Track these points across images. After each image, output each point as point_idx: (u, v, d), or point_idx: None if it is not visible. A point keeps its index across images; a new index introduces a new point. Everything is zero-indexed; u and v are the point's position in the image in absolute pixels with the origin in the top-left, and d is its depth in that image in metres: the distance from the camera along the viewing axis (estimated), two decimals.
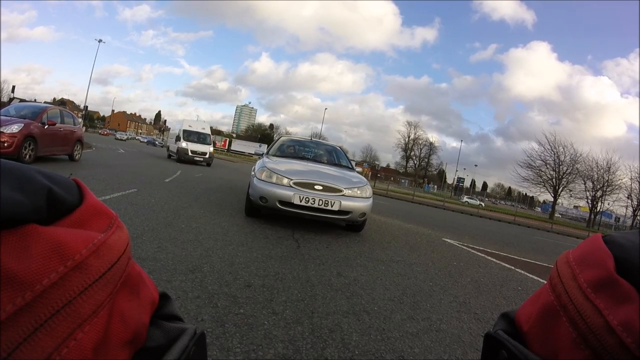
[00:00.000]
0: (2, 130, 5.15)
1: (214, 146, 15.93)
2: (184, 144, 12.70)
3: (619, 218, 37.88)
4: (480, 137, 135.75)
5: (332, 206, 3.43)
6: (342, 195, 3.55)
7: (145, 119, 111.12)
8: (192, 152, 12.70)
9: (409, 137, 65.93)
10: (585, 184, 32.37)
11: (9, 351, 0.11)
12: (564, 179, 33.02)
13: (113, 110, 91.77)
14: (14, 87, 31.40)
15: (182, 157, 12.50)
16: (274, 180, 3.51)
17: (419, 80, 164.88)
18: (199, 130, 14.22)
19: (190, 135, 13.52)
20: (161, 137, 66.22)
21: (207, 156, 13.24)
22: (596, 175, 31.69)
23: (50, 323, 0.12)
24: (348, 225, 4.06)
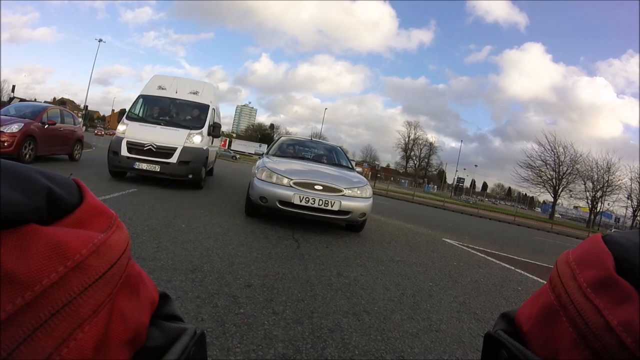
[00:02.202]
0: (2, 129, 5.15)
1: (218, 138, 7.09)
2: (121, 128, 5.27)
3: (618, 218, 37.88)
4: (479, 138, 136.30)
5: (332, 206, 3.43)
6: (342, 195, 3.55)
7: None
8: (134, 147, 5.06)
9: (409, 137, 66.03)
10: (585, 184, 32.39)
11: (9, 351, 0.11)
12: (564, 180, 33.02)
13: (113, 110, 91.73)
14: (14, 86, 31.32)
15: (112, 163, 5.15)
16: (274, 180, 3.51)
17: (416, 81, 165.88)
18: (182, 97, 5.99)
19: (152, 107, 5.81)
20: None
21: (173, 159, 5.14)
22: (596, 176, 31.72)
23: (50, 323, 0.12)
24: (348, 225, 4.06)
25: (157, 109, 5.83)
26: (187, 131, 5.34)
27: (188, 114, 5.91)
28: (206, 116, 5.78)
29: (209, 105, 6.00)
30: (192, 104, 5.96)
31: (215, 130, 6.10)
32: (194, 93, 6.07)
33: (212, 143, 6.42)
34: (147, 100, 5.88)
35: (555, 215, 34.71)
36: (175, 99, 5.94)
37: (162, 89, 6.02)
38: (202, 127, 5.58)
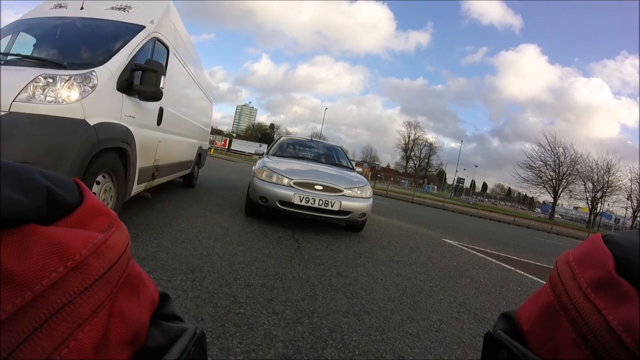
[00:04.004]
0: None
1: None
2: None
3: (618, 219, 37.85)
4: (477, 138, 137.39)
5: (332, 206, 3.43)
6: (342, 195, 3.55)
7: None
8: None
9: (409, 137, 66.01)
10: (585, 185, 32.41)
11: (9, 351, 0.11)
12: (564, 180, 33.03)
13: None
14: None
15: None
16: (274, 180, 3.51)
17: (414, 81, 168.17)
18: (89, 14, 2.79)
19: (27, 38, 2.70)
20: None
21: None
22: (596, 177, 31.74)
23: (50, 323, 0.12)
24: (348, 225, 4.06)
25: (35, 40, 2.79)
26: (38, 72, 1.95)
27: (93, 43, 2.58)
28: (124, 46, 2.48)
29: (143, 28, 2.73)
30: (104, 26, 2.74)
31: (145, 82, 2.47)
32: (120, 9, 2.95)
33: (160, 121, 3.09)
34: (22, 28, 2.87)
35: (555, 215, 34.71)
36: (70, 19, 2.85)
37: (61, 7, 3.05)
38: (98, 63, 2.23)
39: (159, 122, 3.08)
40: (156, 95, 2.59)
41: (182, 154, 4.40)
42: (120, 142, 2.32)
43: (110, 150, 2.23)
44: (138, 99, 2.55)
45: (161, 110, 3.08)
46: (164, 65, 3.11)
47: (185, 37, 4.07)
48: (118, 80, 2.28)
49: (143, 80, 2.46)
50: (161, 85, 2.57)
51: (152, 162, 3.09)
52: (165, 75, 2.64)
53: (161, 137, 3.25)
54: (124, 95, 2.36)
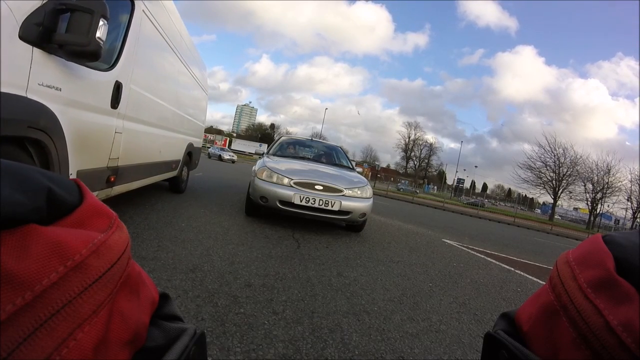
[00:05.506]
0: None
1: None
2: None
3: (618, 220, 37.84)
4: (476, 138, 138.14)
5: (332, 206, 3.43)
6: (342, 195, 3.55)
7: None
8: None
9: (409, 137, 66.02)
10: (585, 185, 32.40)
11: (9, 351, 0.11)
12: (564, 181, 33.02)
13: None
14: None
15: None
16: (274, 179, 3.51)
17: (413, 82, 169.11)
18: None
19: None
20: None
21: None
22: (596, 178, 31.73)
23: (50, 323, 0.12)
24: (348, 225, 4.06)
25: None
26: None
27: None
28: None
29: None
30: None
31: (73, 27, 1.46)
32: None
33: (117, 102, 2.16)
34: None
35: (555, 216, 34.72)
36: None
37: None
38: None
39: (115, 103, 2.13)
40: (90, 50, 1.51)
41: (163, 152, 3.43)
42: (24, 129, 1.39)
43: (3, 140, 1.34)
44: (67, 61, 1.59)
45: (118, 86, 2.13)
46: (127, 24, 2.23)
47: (171, 10, 3.29)
48: (24, 23, 1.35)
49: (70, 26, 1.50)
50: (99, 35, 1.51)
51: (105, 162, 2.16)
52: (108, 19, 1.56)
53: (121, 126, 2.29)
54: (37, 50, 1.42)
